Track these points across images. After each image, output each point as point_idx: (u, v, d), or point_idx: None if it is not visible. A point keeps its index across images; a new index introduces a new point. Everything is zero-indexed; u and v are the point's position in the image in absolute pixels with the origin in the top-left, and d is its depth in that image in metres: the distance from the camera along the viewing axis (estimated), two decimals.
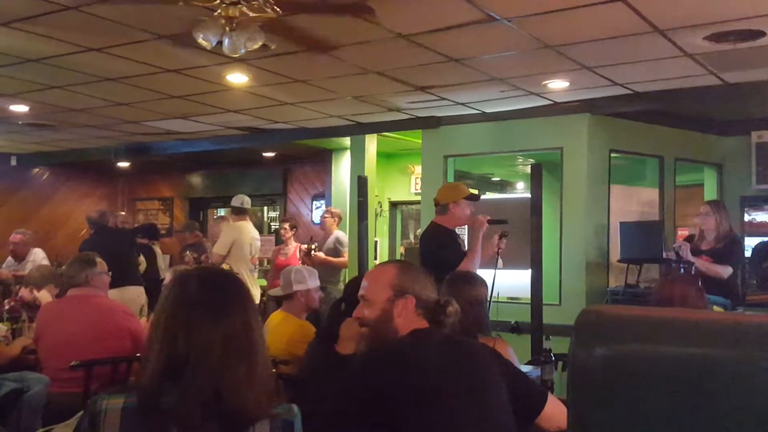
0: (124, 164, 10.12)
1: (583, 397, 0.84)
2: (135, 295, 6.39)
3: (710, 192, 6.80)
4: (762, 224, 6.62)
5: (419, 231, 7.52)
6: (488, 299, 4.22)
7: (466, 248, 4.54)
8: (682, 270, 5.36)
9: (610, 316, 0.88)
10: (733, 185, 6.68)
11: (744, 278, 5.99)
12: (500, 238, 4.42)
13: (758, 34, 4.08)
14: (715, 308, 3.90)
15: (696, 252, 5.32)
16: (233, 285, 1.65)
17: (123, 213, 8.82)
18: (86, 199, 11.02)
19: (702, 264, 5.14)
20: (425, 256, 4.44)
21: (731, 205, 5.74)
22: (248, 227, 6.95)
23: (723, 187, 6.63)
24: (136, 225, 8.29)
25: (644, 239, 5.69)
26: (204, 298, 1.57)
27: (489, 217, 4.42)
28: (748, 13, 3.79)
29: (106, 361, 3.68)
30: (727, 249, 5.26)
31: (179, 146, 8.52)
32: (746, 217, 6.62)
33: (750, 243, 6.01)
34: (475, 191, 4.99)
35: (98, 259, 4.05)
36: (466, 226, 5.37)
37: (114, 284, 4.43)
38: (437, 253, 4.31)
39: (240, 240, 6.67)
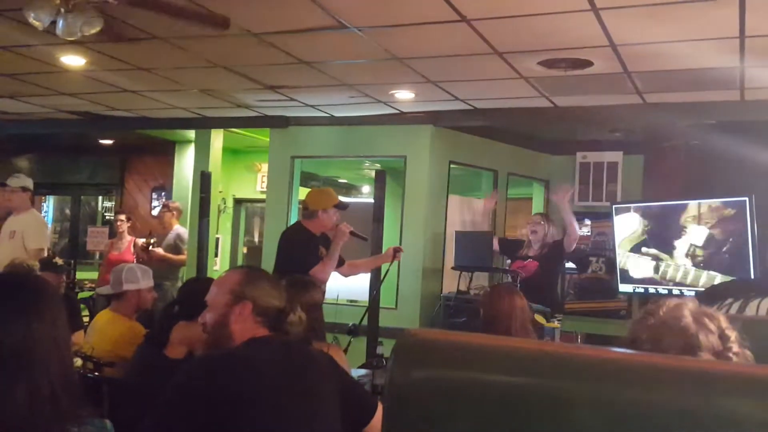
0: None
1: (398, 419, 0.87)
2: None
3: (537, 205, 7.30)
4: (582, 237, 7.21)
5: (264, 229, 7.41)
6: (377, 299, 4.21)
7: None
8: (510, 278, 5.74)
9: (428, 340, 0.91)
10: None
11: (563, 287, 6.50)
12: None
13: (586, 63, 4.43)
14: (537, 316, 4.19)
15: (524, 258, 5.82)
16: (19, 291, 1.41)
17: None
18: None
19: (569, 218, 5.80)
20: (281, 250, 4.50)
21: (555, 219, 6.19)
22: None
23: (549, 202, 7.14)
24: None
25: (476, 248, 6.00)
26: None
27: (352, 229, 4.51)
28: (578, 44, 4.11)
29: None
30: (554, 251, 5.80)
31: (5, 127, 7.82)
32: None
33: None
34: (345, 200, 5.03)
35: None
36: None
37: None
38: (293, 252, 4.40)
39: None
